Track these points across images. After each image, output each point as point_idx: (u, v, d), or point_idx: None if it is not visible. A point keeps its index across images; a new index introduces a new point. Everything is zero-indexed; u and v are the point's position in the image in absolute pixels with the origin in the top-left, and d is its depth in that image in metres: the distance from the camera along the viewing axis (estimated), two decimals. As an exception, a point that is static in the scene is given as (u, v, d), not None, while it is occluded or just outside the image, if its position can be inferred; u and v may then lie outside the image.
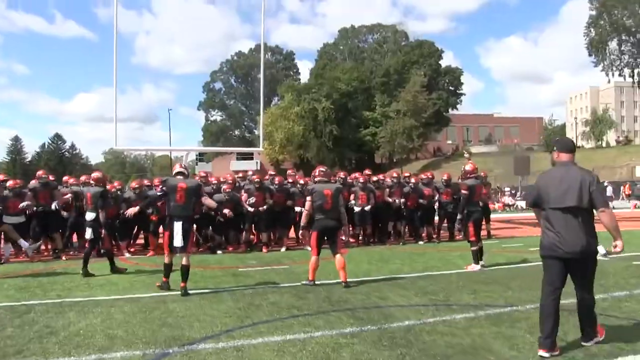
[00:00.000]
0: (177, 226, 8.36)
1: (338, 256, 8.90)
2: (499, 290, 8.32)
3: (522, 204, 37.32)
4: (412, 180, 16.02)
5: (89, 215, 10.42)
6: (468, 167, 11.10)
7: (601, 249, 12.25)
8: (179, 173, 8.85)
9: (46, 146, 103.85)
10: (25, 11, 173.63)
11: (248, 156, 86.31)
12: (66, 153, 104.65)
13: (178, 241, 8.33)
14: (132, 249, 14.02)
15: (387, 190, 15.33)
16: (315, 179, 9.48)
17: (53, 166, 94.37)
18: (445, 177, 15.92)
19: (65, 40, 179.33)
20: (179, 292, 8.19)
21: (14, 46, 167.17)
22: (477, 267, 10.38)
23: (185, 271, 8.34)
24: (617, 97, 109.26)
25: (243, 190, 14.15)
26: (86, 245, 10.65)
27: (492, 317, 6.65)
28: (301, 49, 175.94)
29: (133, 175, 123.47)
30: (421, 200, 15.48)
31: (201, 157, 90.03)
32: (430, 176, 16.42)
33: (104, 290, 8.69)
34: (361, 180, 15.05)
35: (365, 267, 10.93)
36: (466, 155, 15.23)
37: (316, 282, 8.93)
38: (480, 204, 11.59)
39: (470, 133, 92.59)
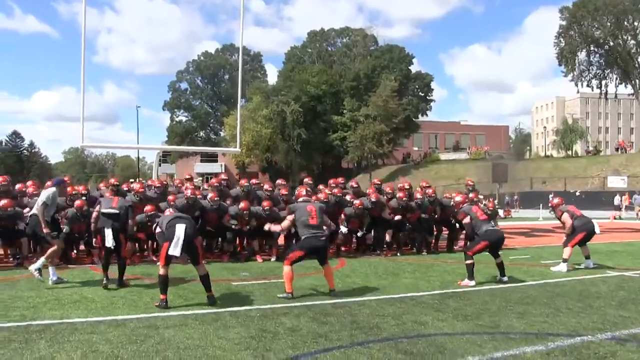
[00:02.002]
0: (180, 229, 7.21)
1: (326, 266, 8.38)
2: (549, 314, 7.13)
3: (500, 212, 36.45)
4: (418, 195, 14.44)
5: None
6: (458, 198, 10.88)
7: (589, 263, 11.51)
8: None
9: (3, 144, 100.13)
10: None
11: (212, 158, 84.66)
12: (25, 152, 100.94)
13: (176, 249, 7.16)
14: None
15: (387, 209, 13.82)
16: (299, 200, 9.12)
17: (11, 164, 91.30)
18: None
19: (24, 36, 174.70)
20: (173, 313, 6.82)
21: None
22: (471, 283, 9.33)
23: (206, 280, 7.56)
24: (583, 107, 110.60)
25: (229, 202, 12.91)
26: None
27: (569, 352, 5.41)
28: (267, 51, 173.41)
29: (94, 175, 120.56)
30: (424, 215, 14.21)
31: (165, 158, 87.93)
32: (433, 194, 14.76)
33: (79, 309, 7.09)
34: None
35: (376, 282, 9.60)
36: (470, 183, 14.88)
37: (335, 297, 7.91)
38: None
39: (437, 140, 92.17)
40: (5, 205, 10.99)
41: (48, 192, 9.35)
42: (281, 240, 13.24)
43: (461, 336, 5.96)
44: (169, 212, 8.47)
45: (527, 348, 5.51)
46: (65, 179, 12.02)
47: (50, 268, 8.79)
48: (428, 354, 5.27)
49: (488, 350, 5.45)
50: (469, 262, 9.49)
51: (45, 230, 8.91)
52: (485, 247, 9.61)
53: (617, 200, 37.84)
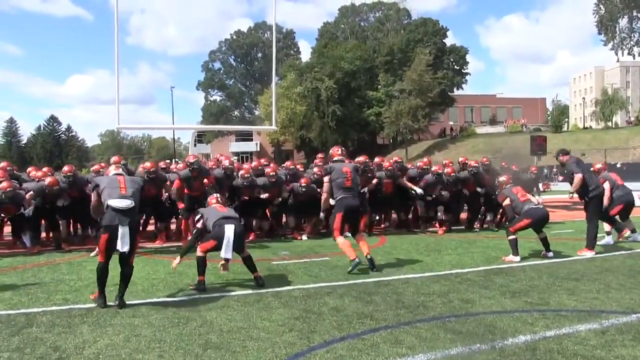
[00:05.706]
0: (229, 230, 7.03)
1: (359, 237, 8.56)
2: (600, 290, 6.87)
3: (539, 185, 35.70)
4: (472, 163, 14.13)
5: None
6: (502, 178, 10.66)
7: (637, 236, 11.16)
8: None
9: (42, 128, 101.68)
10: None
11: (248, 137, 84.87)
12: (62, 135, 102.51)
13: (228, 253, 7.05)
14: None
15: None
16: (334, 158, 8.91)
17: (50, 149, 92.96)
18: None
19: (59, 20, 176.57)
20: (214, 295, 6.75)
21: (4, 26, 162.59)
22: (516, 259, 9.13)
23: (249, 262, 7.40)
24: (623, 77, 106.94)
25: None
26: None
27: (625, 330, 5.18)
28: (299, 27, 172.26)
29: (130, 157, 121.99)
30: (479, 189, 13.80)
31: (200, 138, 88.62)
32: (487, 162, 14.54)
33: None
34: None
35: (418, 259, 9.43)
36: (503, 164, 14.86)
37: (376, 274, 7.72)
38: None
39: (473, 114, 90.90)
40: (52, 182, 10.76)
41: None
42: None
43: (510, 314, 5.76)
44: (214, 200, 8.05)
45: (581, 326, 5.30)
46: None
47: None
48: (478, 334, 5.09)
49: (540, 328, 5.25)
50: (511, 237, 9.31)
51: None
52: (528, 224, 9.36)
53: None
